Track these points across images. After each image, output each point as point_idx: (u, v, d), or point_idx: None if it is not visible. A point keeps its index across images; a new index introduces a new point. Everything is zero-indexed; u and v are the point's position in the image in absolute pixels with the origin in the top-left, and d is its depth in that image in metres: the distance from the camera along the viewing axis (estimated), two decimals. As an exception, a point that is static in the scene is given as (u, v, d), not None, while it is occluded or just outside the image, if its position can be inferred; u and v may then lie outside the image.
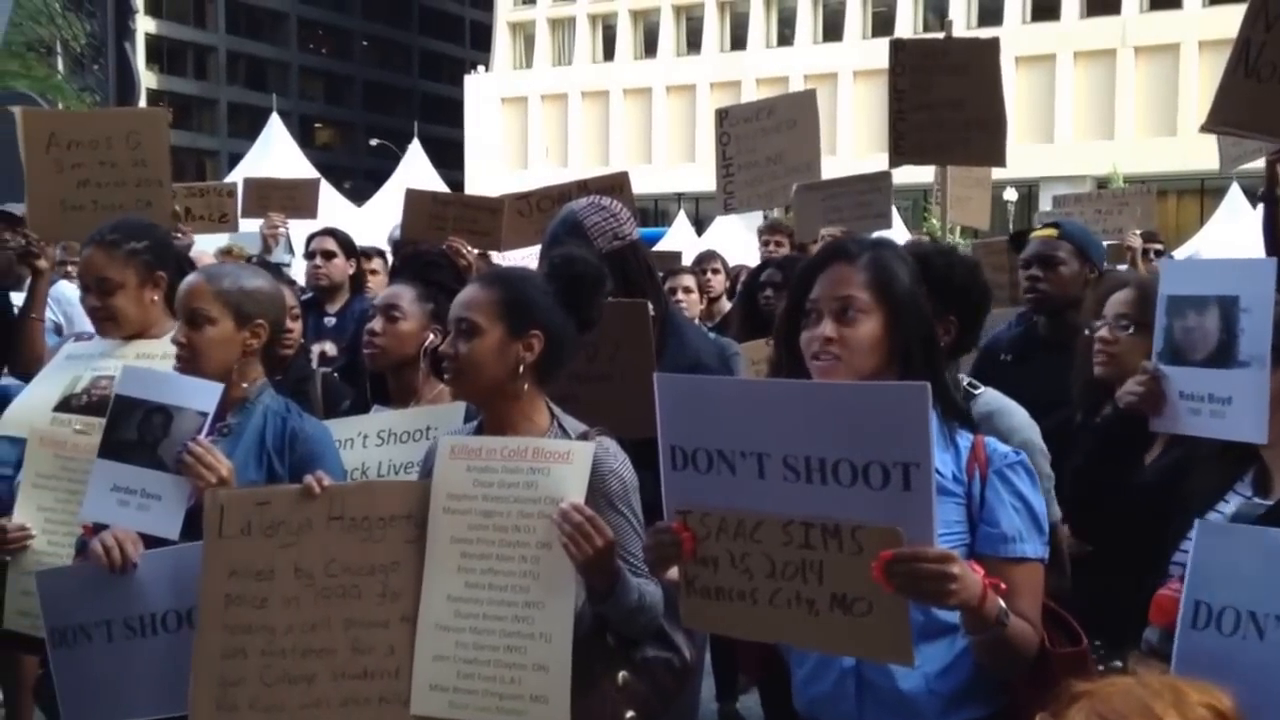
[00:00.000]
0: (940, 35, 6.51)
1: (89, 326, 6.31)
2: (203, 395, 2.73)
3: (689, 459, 2.08)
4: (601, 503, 2.48)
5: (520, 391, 2.58)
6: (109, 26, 18.70)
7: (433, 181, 22.19)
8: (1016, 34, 44.46)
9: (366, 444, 3.33)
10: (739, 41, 52.83)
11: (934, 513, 1.87)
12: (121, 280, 3.41)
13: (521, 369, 2.56)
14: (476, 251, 5.34)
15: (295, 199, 7.52)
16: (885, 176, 6.76)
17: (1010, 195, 37.56)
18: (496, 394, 2.58)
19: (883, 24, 49.56)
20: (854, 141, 47.17)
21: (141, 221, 3.65)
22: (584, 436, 2.58)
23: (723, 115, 7.33)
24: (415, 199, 5.63)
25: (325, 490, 2.51)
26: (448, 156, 48.69)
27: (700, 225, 31.94)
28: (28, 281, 4.42)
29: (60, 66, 36.67)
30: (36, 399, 3.41)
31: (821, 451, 1.95)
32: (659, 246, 20.71)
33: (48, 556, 3.12)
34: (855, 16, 50.80)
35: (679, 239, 24.96)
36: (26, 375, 3.87)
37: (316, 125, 70.35)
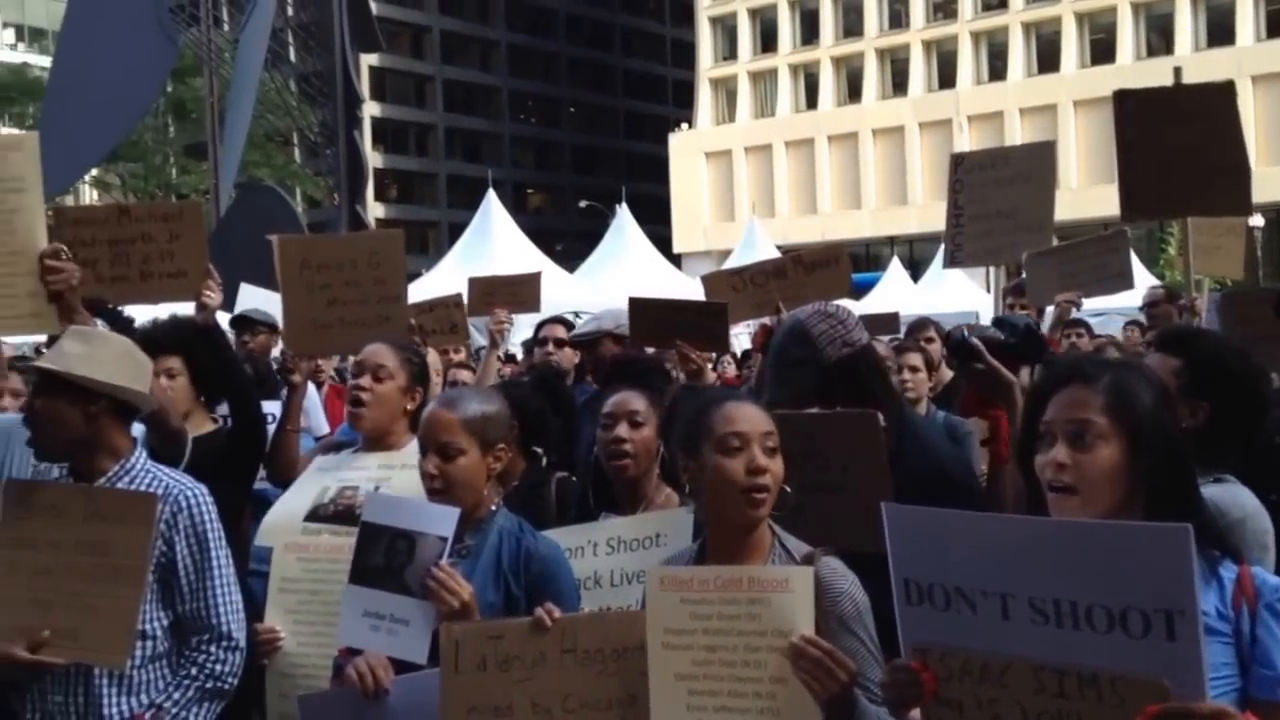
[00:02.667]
0: (1169, 84, 6.17)
1: (323, 421, 6.70)
2: (442, 520, 2.81)
3: (925, 594, 2.00)
4: (834, 626, 2.40)
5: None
6: (339, 116, 19.87)
7: (640, 240, 22.61)
8: (1251, 53, 42.21)
9: (596, 552, 3.35)
10: (947, 80, 51.94)
11: (1204, 664, 1.75)
12: (394, 374, 3.68)
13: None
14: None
15: (519, 294, 7.68)
16: (1121, 236, 6.42)
17: (1256, 221, 35.40)
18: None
19: (1102, 51, 47.90)
20: (1077, 175, 45.56)
21: (414, 345, 3.91)
22: (808, 558, 2.53)
23: (958, 161, 7.01)
24: (640, 307, 5.70)
25: (556, 622, 2.51)
26: (655, 213, 49.50)
27: (915, 269, 31.36)
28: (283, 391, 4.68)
29: (297, 154, 39.21)
30: (288, 510, 3.62)
31: (1073, 595, 1.84)
32: (871, 302, 20.49)
33: (297, 657, 3.30)
34: (1071, 45, 49.20)
35: (893, 286, 24.60)
36: (283, 482, 4.10)
37: (528, 191, 72.80)
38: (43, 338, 5.68)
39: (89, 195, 41.98)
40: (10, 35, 52.75)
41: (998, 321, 3.57)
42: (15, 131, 35.92)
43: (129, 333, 3.91)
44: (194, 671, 3.09)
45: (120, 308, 4.35)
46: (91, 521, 2.98)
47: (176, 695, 3.07)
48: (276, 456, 4.26)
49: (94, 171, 33.12)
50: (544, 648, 2.49)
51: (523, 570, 2.91)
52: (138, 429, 3.49)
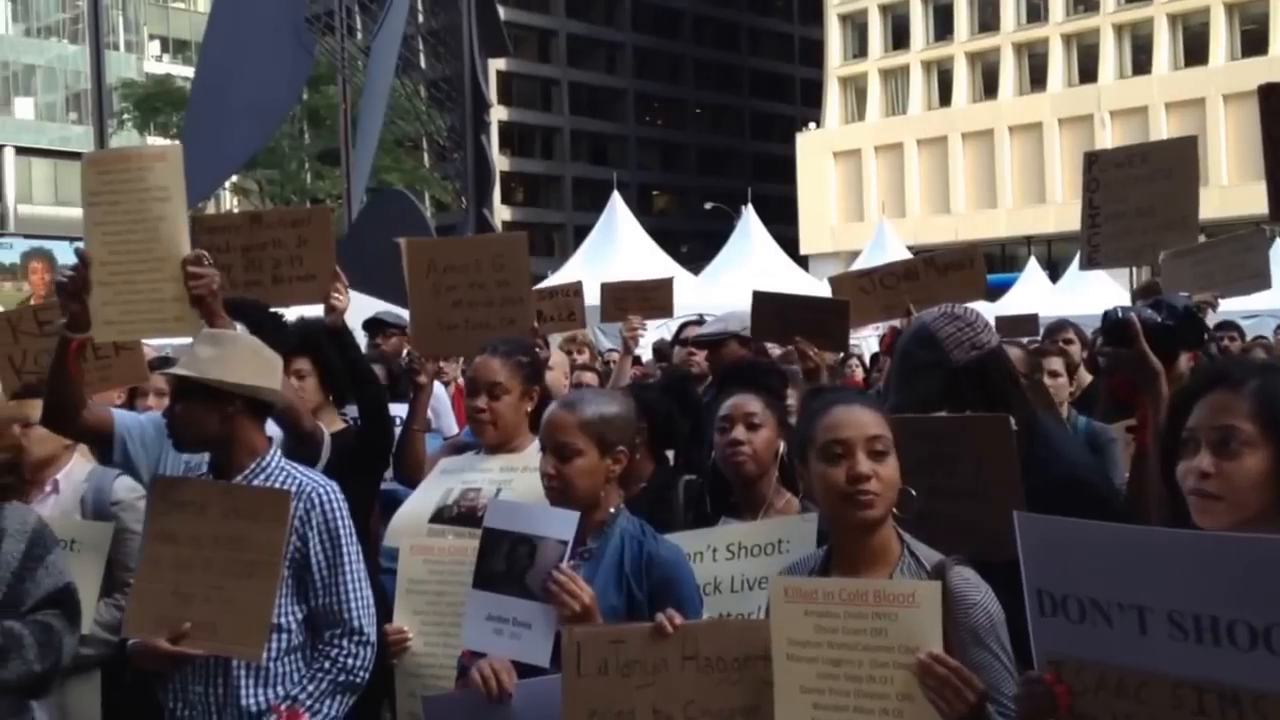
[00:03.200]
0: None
1: (452, 422, 6.81)
2: (563, 524, 2.82)
3: (1058, 606, 1.95)
4: (967, 639, 2.34)
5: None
6: (467, 120, 20.18)
7: (766, 241, 22.49)
8: None
9: (716, 557, 3.33)
10: (1088, 74, 50.48)
11: (1354, 686, 1.66)
12: (509, 388, 3.72)
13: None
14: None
15: (652, 299, 7.68)
16: (1259, 234, 6.14)
17: None
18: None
19: (1254, 42, 46.01)
20: (1227, 172, 43.87)
21: (525, 341, 3.97)
22: (939, 567, 2.47)
23: (1091, 160, 6.75)
24: (762, 301, 5.65)
25: (678, 629, 2.50)
26: (781, 214, 49.20)
27: (1053, 269, 30.54)
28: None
29: (425, 159, 40.00)
30: (414, 512, 3.70)
31: (1214, 610, 1.77)
32: (1007, 304, 20.00)
33: (425, 657, 3.34)
34: (1220, 36, 47.37)
35: (1031, 287, 23.99)
36: (410, 482, 4.18)
37: (653, 193, 73.05)
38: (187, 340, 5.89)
39: (229, 201, 43.49)
40: (156, 47, 54.91)
41: (1155, 303, 3.36)
42: (161, 141, 37.43)
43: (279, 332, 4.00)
44: (327, 665, 3.16)
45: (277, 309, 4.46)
46: (229, 518, 3.07)
47: (310, 688, 3.14)
48: (404, 456, 4.34)
49: (233, 178, 34.27)
50: (665, 654, 2.48)
51: (645, 574, 2.91)
52: (275, 431, 3.58)
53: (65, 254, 43.39)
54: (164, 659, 3.10)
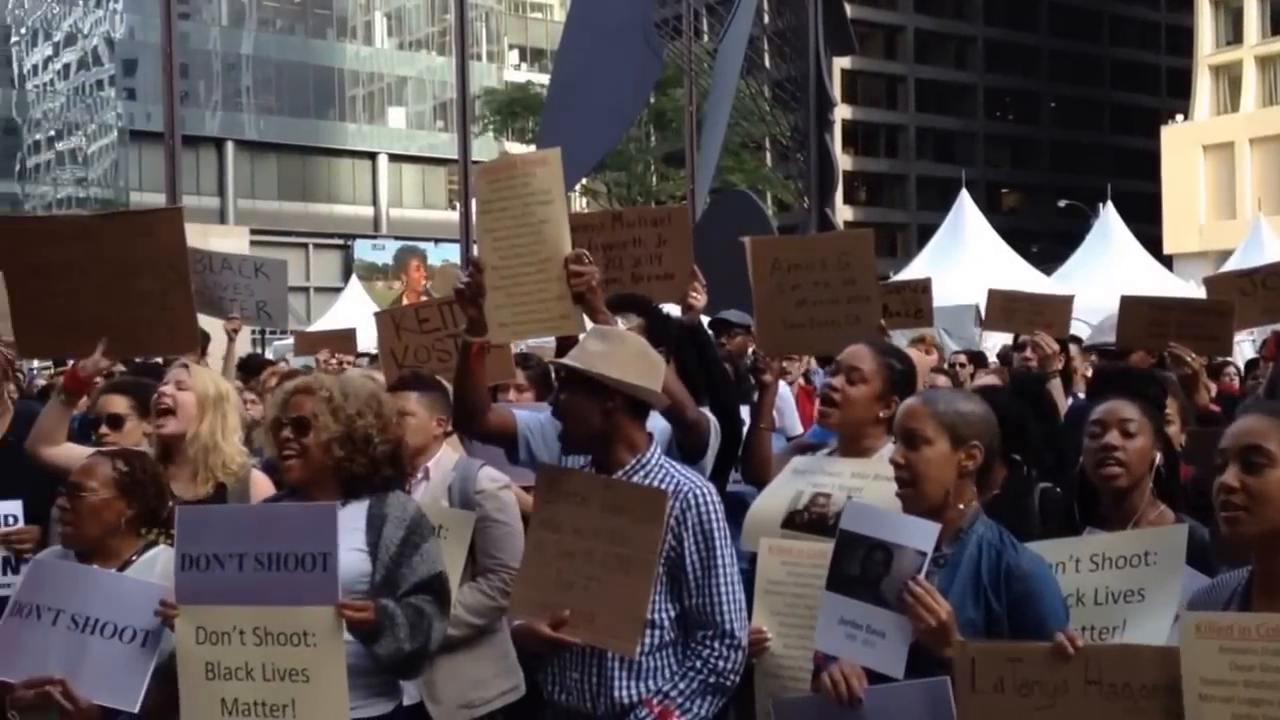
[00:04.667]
0: None
1: (796, 421, 6.77)
2: (922, 534, 2.76)
3: None
4: None
5: None
6: (811, 120, 20.11)
7: (1126, 240, 21.09)
8: None
9: (1079, 568, 3.16)
10: None
11: None
12: (869, 379, 3.65)
13: None
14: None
15: (1044, 314, 7.30)
16: None
17: None
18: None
19: None
20: None
21: (904, 354, 3.90)
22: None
23: None
24: (1131, 305, 5.28)
25: (1080, 651, 2.42)
26: (1142, 211, 46.05)
27: None
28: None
29: (768, 159, 40.28)
30: (766, 513, 3.68)
31: None
32: None
33: (783, 659, 3.34)
34: None
35: None
36: (756, 481, 4.17)
37: (1003, 191, 70.35)
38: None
39: (578, 203, 45.43)
40: (515, 57, 58.06)
41: None
42: (518, 146, 39.58)
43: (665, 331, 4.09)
44: (698, 665, 3.20)
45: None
46: (608, 512, 3.16)
47: (682, 685, 3.19)
48: (750, 456, 4.34)
49: (583, 181, 35.77)
50: (1066, 676, 2.41)
51: (1004, 586, 2.80)
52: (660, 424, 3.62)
53: (431, 254, 46.89)
54: (543, 643, 3.23)
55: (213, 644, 3.12)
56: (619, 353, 3.25)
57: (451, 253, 35.58)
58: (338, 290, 31.94)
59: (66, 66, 46.30)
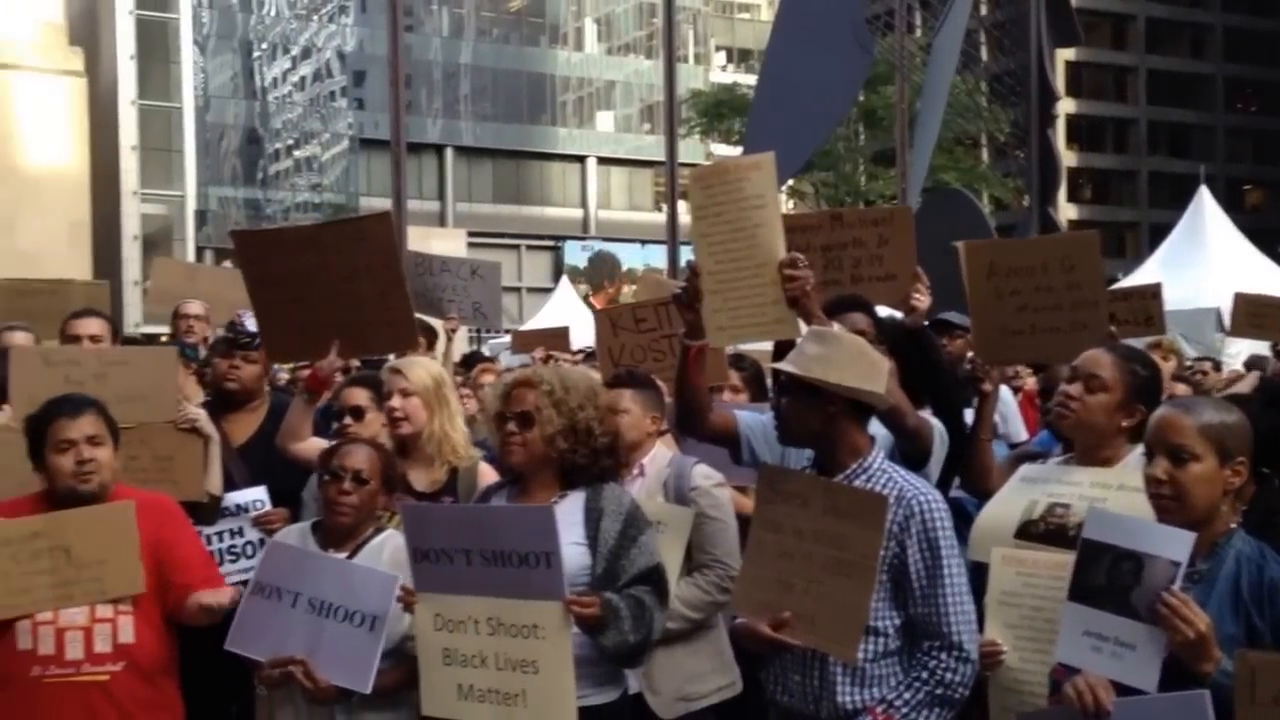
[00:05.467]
0: None
1: (1020, 428, 6.50)
2: (1175, 544, 2.60)
3: None
4: None
5: None
6: (1032, 115, 19.39)
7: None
8: None
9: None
10: None
11: None
12: (1109, 386, 3.41)
13: None
14: None
15: None
16: None
17: None
18: None
19: None
20: None
21: (1150, 359, 3.69)
22: None
23: None
24: None
25: None
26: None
27: None
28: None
29: (984, 156, 39.14)
30: (997, 522, 3.52)
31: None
32: None
33: (1019, 672, 3.21)
34: None
35: None
36: (977, 491, 4.03)
37: (1245, 187, 66.34)
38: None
39: (785, 204, 45.13)
40: (722, 58, 58.15)
41: None
42: (724, 148, 39.60)
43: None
44: (925, 675, 3.11)
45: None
46: (829, 515, 3.11)
47: (907, 695, 3.11)
48: (971, 465, 4.19)
49: (790, 181, 35.52)
50: None
51: (1267, 602, 2.63)
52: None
53: (632, 256, 47.45)
54: (764, 643, 3.21)
55: (449, 632, 3.26)
56: (838, 355, 3.19)
57: (658, 254, 35.93)
58: (548, 290, 32.67)
59: (303, 79, 48.97)
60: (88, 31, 40.78)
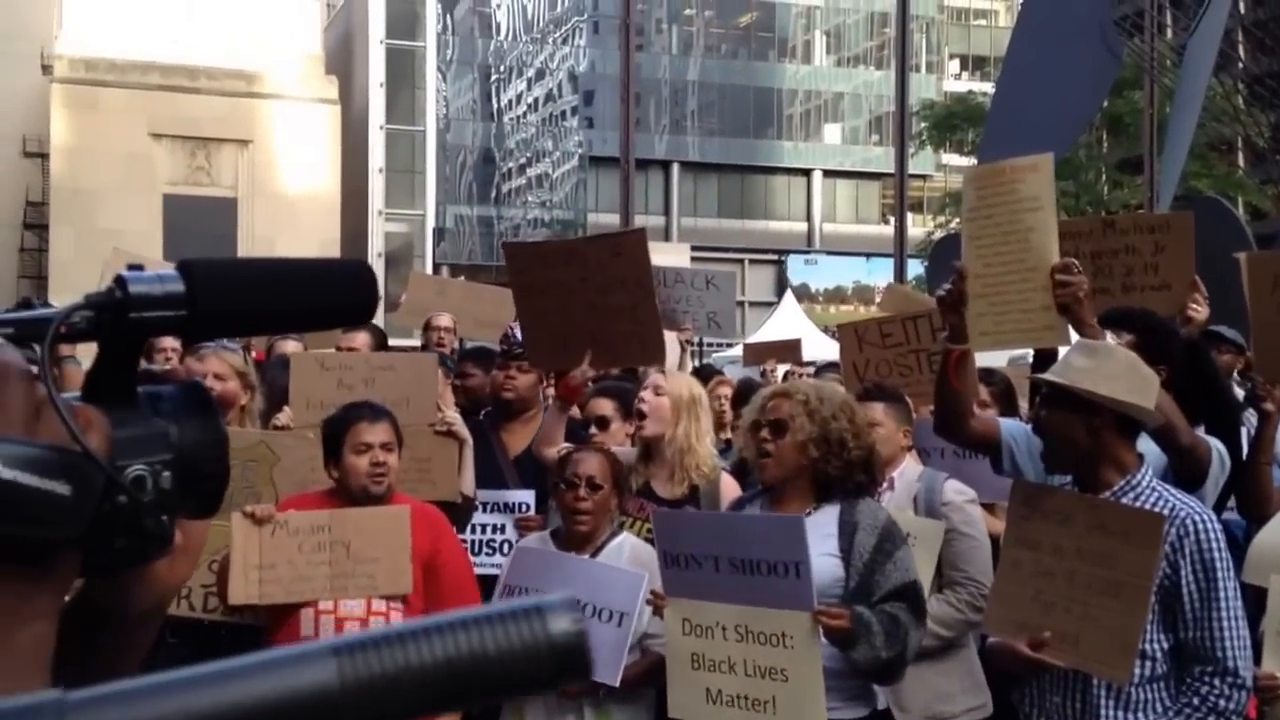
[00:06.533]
0: None
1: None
2: None
3: None
4: None
5: None
6: (1296, 118, 18.08)
7: None
8: None
9: None
10: None
11: None
12: None
13: None
14: None
15: None
16: None
17: None
18: None
19: None
20: None
21: None
22: None
23: None
24: None
25: None
26: None
27: None
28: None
29: (1240, 161, 36.87)
30: (1276, 545, 3.41)
31: None
32: None
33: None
34: None
35: None
36: (1255, 515, 3.80)
37: None
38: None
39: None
40: (955, 66, 56.81)
41: None
42: (956, 159, 38.64)
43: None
44: (1195, 702, 3.00)
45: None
46: (1095, 533, 3.02)
47: None
48: (1248, 490, 3.99)
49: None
50: None
51: None
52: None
53: (865, 269, 46.85)
54: (1023, 663, 3.13)
55: (698, 636, 3.30)
56: (1106, 368, 3.08)
57: (884, 267, 35.39)
58: (770, 304, 32.62)
59: (536, 99, 50.56)
60: (342, 61, 43.24)
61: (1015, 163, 3.71)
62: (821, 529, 3.34)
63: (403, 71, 45.72)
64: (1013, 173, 3.64)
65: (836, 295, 46.57)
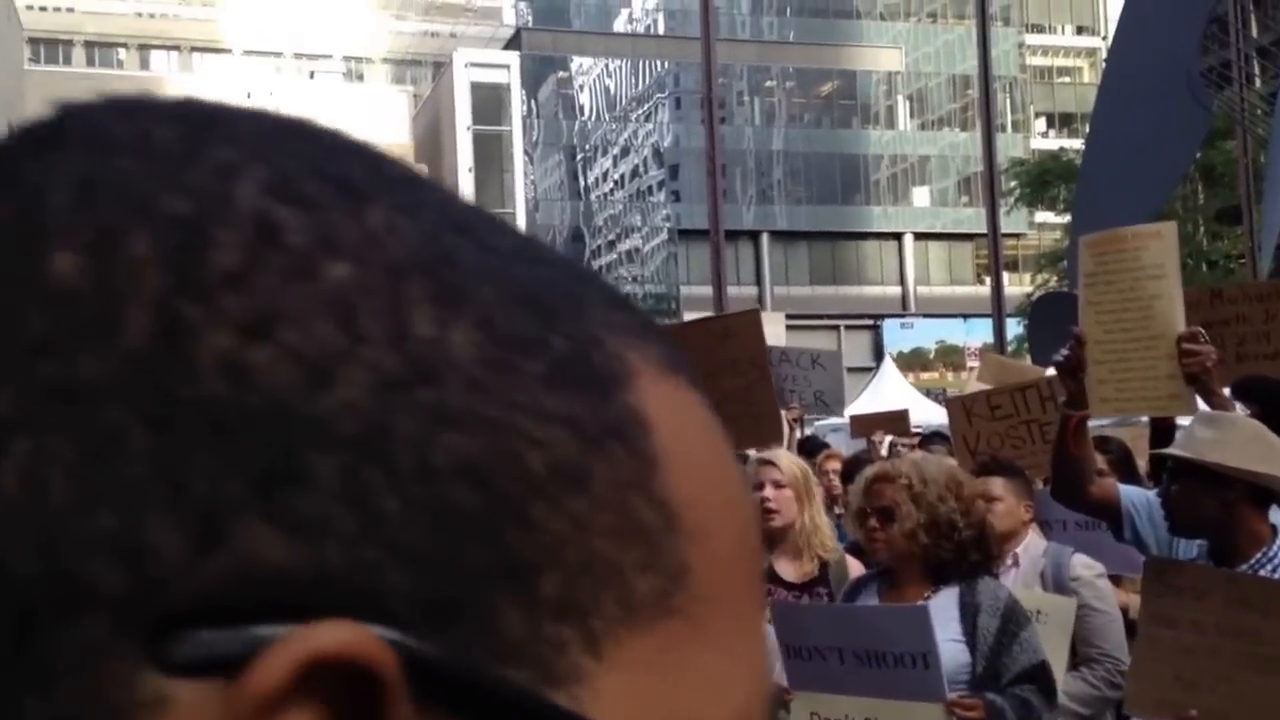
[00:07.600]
0: None
1: None
2: None
3: None
4: None
5: None
6: None
7: None
8: None
9: None
10: None
11: None
12: None
13: None
14: None
15: None
16: None
17: None
18: None
19: None
20: None
21: None
22: None
23: None
24: None
25: None
26: None
27: None
28: None
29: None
30: None
31: None
32: None
33: None
34: None
35: None
36: None
37: None
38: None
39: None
40: (1042, 124, 56.36)
41: None
42: (1048, 216, 38.16)
43: None
44: None
45: None
46: (1235, 608, 2.98)
47: None
48: None
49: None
50: None
51: None
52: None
53: (961, 330, 46.32)
54: None
55: None
56: (1234, 438, 3.06)
57: (982, 328, 34.96)
58: (867, 370, 32.37)
59: (622, 176, 51.32)
60: (431, 148, 44.41)
61: (1138, 229, 3.73)
62: (942, 613, 3.30)
63: (490, 156, 46.79)
64: (1135, 239, 3.66)
65: (917, 360, 45.93)
